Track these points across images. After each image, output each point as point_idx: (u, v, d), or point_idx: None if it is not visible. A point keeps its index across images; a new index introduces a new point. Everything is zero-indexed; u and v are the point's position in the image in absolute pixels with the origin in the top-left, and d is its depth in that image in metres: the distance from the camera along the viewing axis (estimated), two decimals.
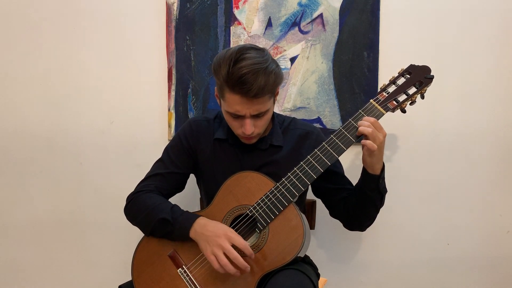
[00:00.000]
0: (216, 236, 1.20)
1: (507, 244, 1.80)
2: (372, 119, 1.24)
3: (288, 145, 1.40)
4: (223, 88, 1.23)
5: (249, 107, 1.23)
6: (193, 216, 1.28)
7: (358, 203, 1.34)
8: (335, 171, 1.41)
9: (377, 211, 1.36)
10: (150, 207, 1.31)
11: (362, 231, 1.44)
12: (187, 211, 1.32)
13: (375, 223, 1.39)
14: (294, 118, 1.49)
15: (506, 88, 1.74)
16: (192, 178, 1.50)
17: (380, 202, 1.34)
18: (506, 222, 1.79)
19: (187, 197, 1.69)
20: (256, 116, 1.27)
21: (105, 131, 1.88)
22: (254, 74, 1.17)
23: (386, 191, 1.34)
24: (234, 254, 1.17)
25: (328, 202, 1.45)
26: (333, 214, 1.46)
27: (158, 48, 1.82)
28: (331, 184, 1.41)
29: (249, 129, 1.26)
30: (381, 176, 1.29)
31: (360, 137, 1.26)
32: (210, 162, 1.41)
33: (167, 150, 1.45)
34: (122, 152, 1.88)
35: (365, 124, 1.23)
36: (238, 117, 1.27)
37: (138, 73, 1.85)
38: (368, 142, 1.21)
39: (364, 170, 1.30)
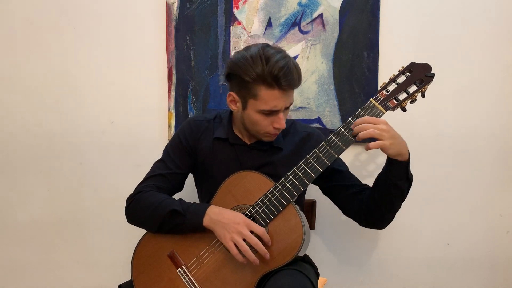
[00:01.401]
0: (235, 223, 1.20)
1: (507, 244, 1.79)
2: (360, 119, 1.21)
3: (288, 148, 1.40)
4: (257, 87, 1.23)
5: (285, 99, 1.26)
6: (205, 205, 1.28)
7: (383, 197, 1.28)
8: (338, 169, 1.40)
9: (402, 202, 1.30)
10: (156, 203, 1.31)
11: (381, 228, 1.38)
12: (196, 202, 1.32)
13: None
14: (294, 121, 1.49)
15: (506, 88, 1.74)
16: (190, 178, 1.50)
17: (408, 190, 1.28)
18: (506, 222, 1.79)
19: (187, 197, 1.69)
20: (285, 109, 1.30)
21: (105, 131, 1.88)
22: (290, 67, 1.22)
23: (412, 177, 1.28)
24: (255, 240, 1.18)
25: (338, 200, 1.42)
26: (347, 212, 1.41)
27: (158, 48, 1.82)
28: (336, 182, 1.40)
29: (284, 122, 1.28)
30: (409, 162, 1.24)
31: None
32: (209, 162, 1.41)
33: (167, 150, 1.45)
34: (122, 152, 1.88)
35: (361, 129, 1.19)
36: (271, 113, 1.27)
37: (138, 73, 1.85)
38: (377, 143, 1.17)
39: (390, 160, 1.23)
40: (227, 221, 1.21)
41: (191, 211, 1.27)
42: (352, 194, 1.37)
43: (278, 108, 1.26)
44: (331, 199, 1.45)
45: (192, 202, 1.32)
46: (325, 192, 1.46)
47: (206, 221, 1.24)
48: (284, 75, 1.20)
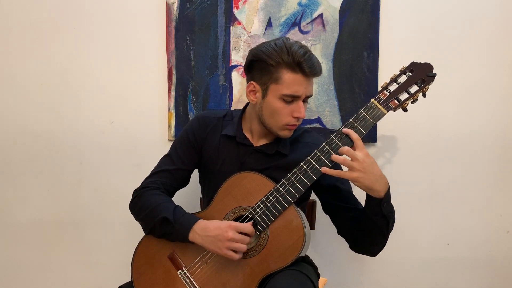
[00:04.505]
0: (223, 232, 1.20)
1: (507, 244, 1.80)
2: (341, 150, 1.21)
3: (292, 155, 1.38)
4: (280, 70, 1.26)
5: (306, 87, 1.28)
6: (194, 218, 1.27)
7: (364, 227, 1.28)
8: (340, 187, 1.38)
9: (385, 237, 1.28)
10: (153, 205, 1.31)
11: (372, 256, 1.36)
12: (189, 213, 1.31)
13: None
14: (306, 129, 1.48)
15: (506, 88, 1.74)
16: (193, 178, 1.49)
17: (387, 227, 1.25)
18: (506, 222, 1.79)
19: (188, 197, 1.69)
20: (304, 101, 1.32)
21: (105, 131, 1.88)
22: (311, 54, 1.27)
23: (392, 215, 1.26)
24: (248, 239, 1.21)
25: (335, 220, 1.41)
26: (341, 233, 1.41)
27: (158, 48, 1.82)
28: (336, 200, 1.38)
29: (303, 111, 1.29)
30: (384, 200, 1.21)
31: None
32: (213, 159, 1.41)
33: (175, 146, 1.45)
34: (122, 152, 1.88)
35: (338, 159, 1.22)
36: (292, 100, 1.28)
37: (138, 73, 1.84)
38: (338, 171, 1.21)
39: (366, 194, 1.24)
40: (214, 233, 1.22)
41: (180, 222, 1.27)
42: (348, 218, 1.36)
43: (299, 93, 1.27)
44: (329, 216, 1.43)
45: (185, 211, 1.32)
46: (324, 208, 1.44)
47: (192, 236, 1.25)
48: (306, 60, 1.24)
